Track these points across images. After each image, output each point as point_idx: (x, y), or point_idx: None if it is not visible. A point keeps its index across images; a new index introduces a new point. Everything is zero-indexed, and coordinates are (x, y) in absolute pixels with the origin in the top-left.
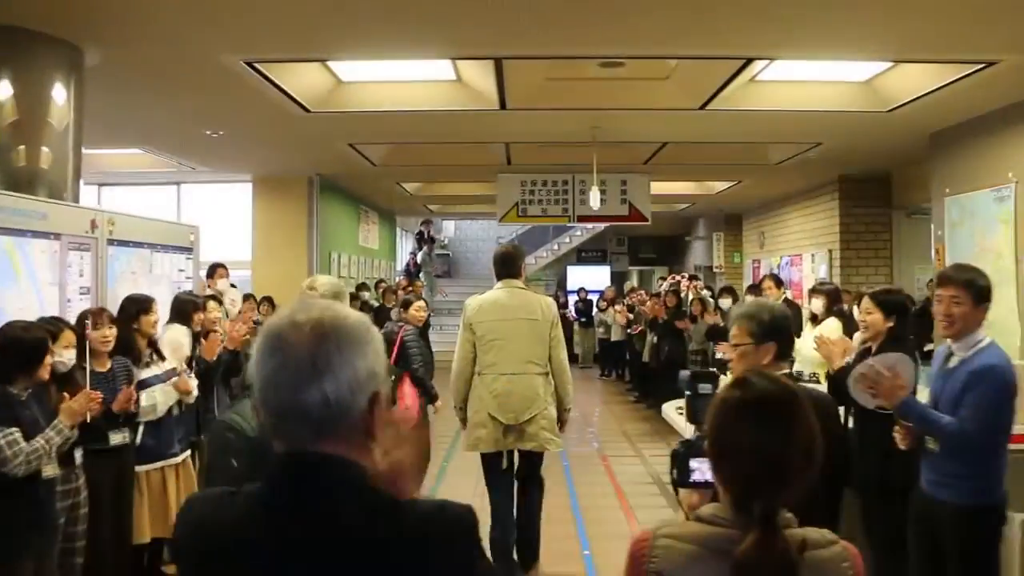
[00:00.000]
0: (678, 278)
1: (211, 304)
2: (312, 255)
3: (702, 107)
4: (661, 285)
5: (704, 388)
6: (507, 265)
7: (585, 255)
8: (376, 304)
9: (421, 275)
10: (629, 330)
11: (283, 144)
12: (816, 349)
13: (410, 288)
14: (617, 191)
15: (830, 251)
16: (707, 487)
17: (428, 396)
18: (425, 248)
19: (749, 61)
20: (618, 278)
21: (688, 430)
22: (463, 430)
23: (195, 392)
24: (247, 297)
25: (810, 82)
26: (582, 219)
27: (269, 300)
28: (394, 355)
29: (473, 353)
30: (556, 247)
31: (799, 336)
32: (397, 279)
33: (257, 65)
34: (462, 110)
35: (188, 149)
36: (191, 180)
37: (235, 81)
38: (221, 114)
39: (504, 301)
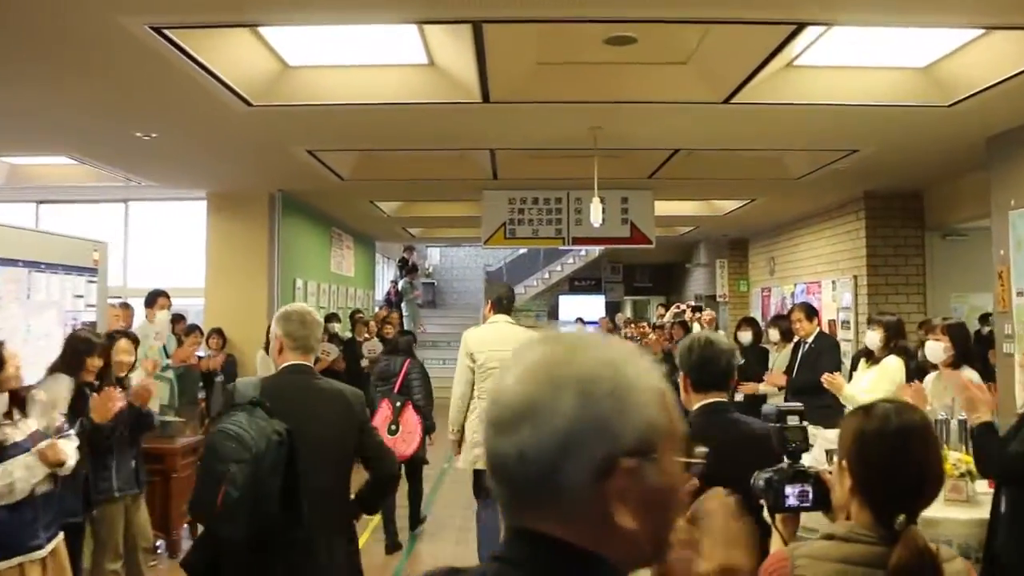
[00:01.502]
0: (682, 307)
1: (121, 345)
2: (272, 282)
3: (726, 100)
4: (662, 316)
5: (793, 420)
6: (502, 304)
7: (578, 284)
8: (346, 336)
9: (403, 305)
10: None
11: (231, 151)
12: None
13: (387, 320)
14: (617, 209)
15: (855, 277)
16: (800, 511)
17: (427, 426)
18: (407, 277)
19: (798, 29)
20: (612, 308)
21: None
22: (456, 455)
23: (71, 462)
24: (192, 329)
25: (858, 68)
26: (578, 241)
27: (219, 332)
28: (398, 384)
29: (472, 378)
30: (547, 275)
31: (836, 371)
32: (376, 309)
33: (168, 32)
34: (437, 103)
35: (124, 158)
36: (140, 197)
37: (150, 59)
38: (145, 108)
39: (500, 333)
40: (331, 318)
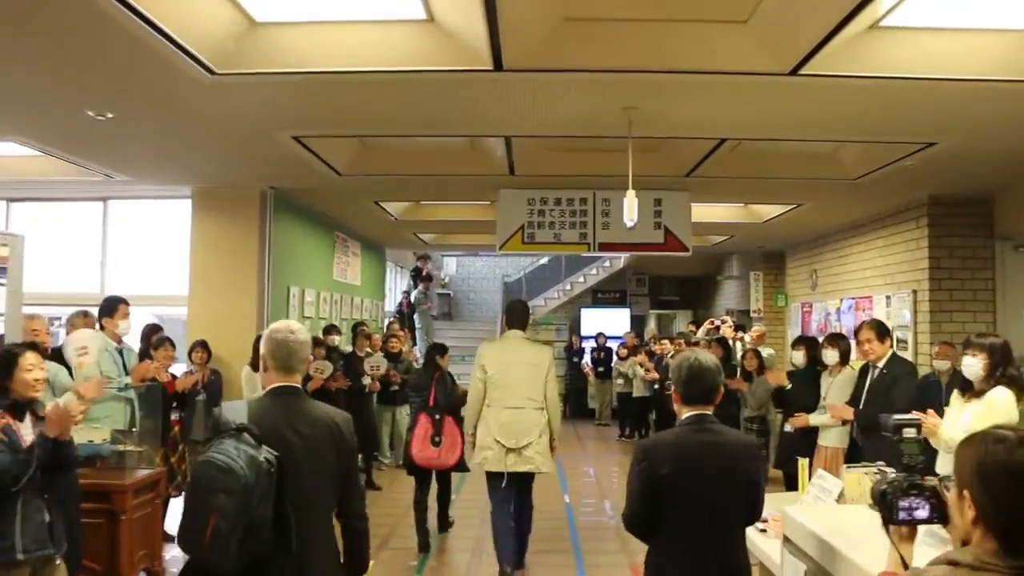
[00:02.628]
0: (717, 322)
1: (26, 359)
2: (264, 290)
3: (793, 71)
4: (694, 332)
5: (910, 432)
6: (520, 317)
7: (602, 296)
8: (347, 350)
9: (415, 317)
10: (656, 386)
11: (204, 136)
12: None
13: (393, 336)
14: (650, 212)
15: (914, 292)
16: (916, 523)
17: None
18: (420, 286)
19: None
20: (638, 322)
21: None
22: (469, 453)
23: None
24: (162, 342)
25: (957, 31)
26: (605, 248)
27: (203, 345)
28: (431, 398)
29: (485, 387)
30: (569, 287)
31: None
32: (387, 321)
33: None
34: (439, 70)
35: (79, 143)
36: (120, 195)
37: (92, 19)
38: (92, 80)
39: (512, 347)
40: (330, 330)
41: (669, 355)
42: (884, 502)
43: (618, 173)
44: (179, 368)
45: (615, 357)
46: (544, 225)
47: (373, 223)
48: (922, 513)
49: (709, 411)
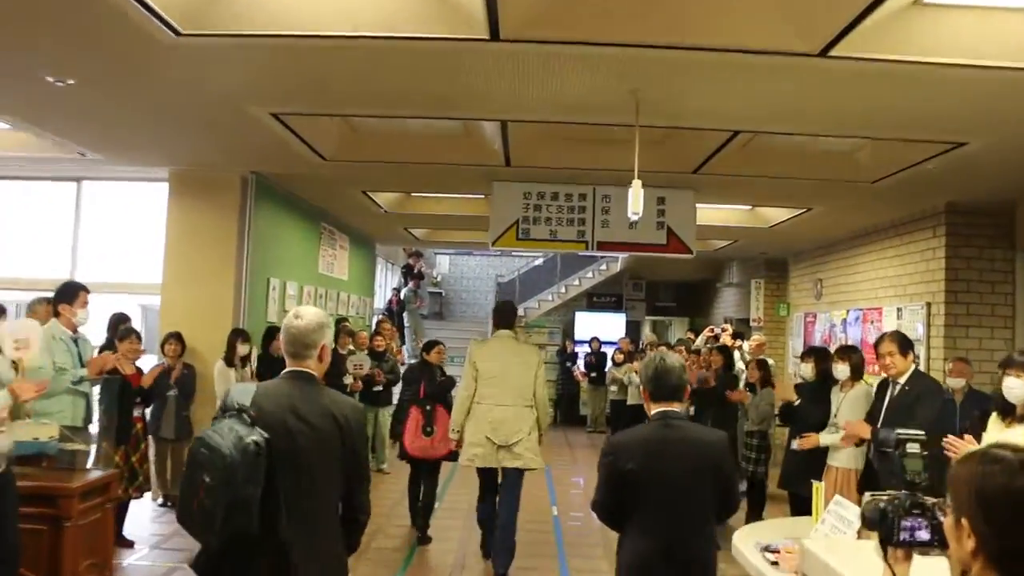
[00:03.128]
0: (716, 331)
1: None
2: (241, 281)
3: (822, 52)
4: (692, 340)
5: (913, 448)
6: (508, 317)
7: (597, 300)
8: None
9: (405, 315)
10: None
11: (175, 109)
12: None
13: (377, 330)
14: (653, 211)
15: (928, 305)
16: (917, 546)
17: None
18: (411, 284)
19: None
20: (633, 328)
21: None
22: (458, 449)
23: None
24: (127, 333)
25: (1011, 11)
26: (604, 247)
27: (177, 337)
28: (422, 391)
29: (475, 385)
30: (563, 289)
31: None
32: (376, 318)
33: None
34: (429, 38)
35: (41, 113)
36: (95, 176)
37: None
38: (48, 39)
39: (502, 346)
40: None
41: None
42: (884, 522)
43: (620, 167)
44: (152, 361)
45: (610, 363)
46: (540, 221)
47: (362, 215)
48: (924, 535)
49: (676, 407)
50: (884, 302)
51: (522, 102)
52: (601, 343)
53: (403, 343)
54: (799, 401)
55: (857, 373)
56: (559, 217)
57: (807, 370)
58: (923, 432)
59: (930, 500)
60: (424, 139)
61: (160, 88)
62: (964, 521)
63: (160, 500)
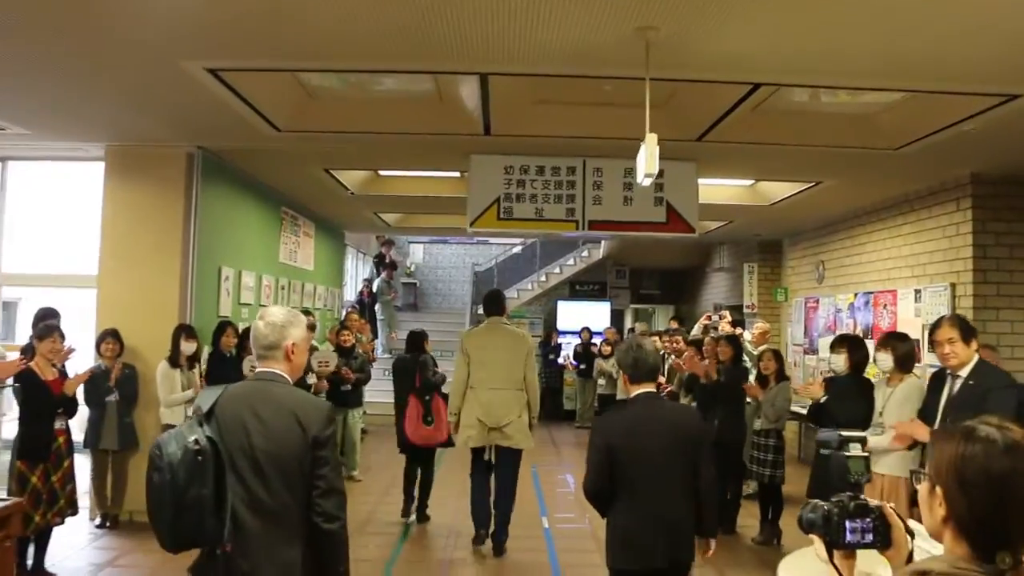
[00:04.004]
0: (714, 318)
1: None
2: (188, 270)
3: None
4: (678, 328)
5: (855, 448)
6: (496, 305)
7: (580, 289)
8: None
9: (377, 307)
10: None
11: (90, 60)
12: None
13: (344, 323)
14: (651, 186)
15: (952, 286)
16: (862, 547)
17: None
18: (384, 274)
19: None
20: (618, 317)
21: None
22: (455, 432)
23: None
24: (48, 331)
25: None
26: (597, 226)
27: (114, 335)
28: (418, 380)
29: (467, 372)
30: (544, 278)
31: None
32: (345, 311)
33: None
34: None
35: None
36: (22, 155)
37: None
38: None
39: (492, 333)
40: None
41: (660, 354)
42: (830, 525)
43: (615, 134)
44: (89, 362)
45: (599, 355)
46: (524, 198)
47: (326, 198)
48: (868, 536)
49: (653, 388)
50: (899, 284)
51: (506, 48)
52: (592, 333)
53: (375, 336)
54: (826, 397)
55: (904, 365)
56: (545, 194)
57: (839, 362)
58: (864, 433)
59: (873, 502)
60: (391, 106)
61: (82, 41)
62: (939, 490)
63: (98, 520)
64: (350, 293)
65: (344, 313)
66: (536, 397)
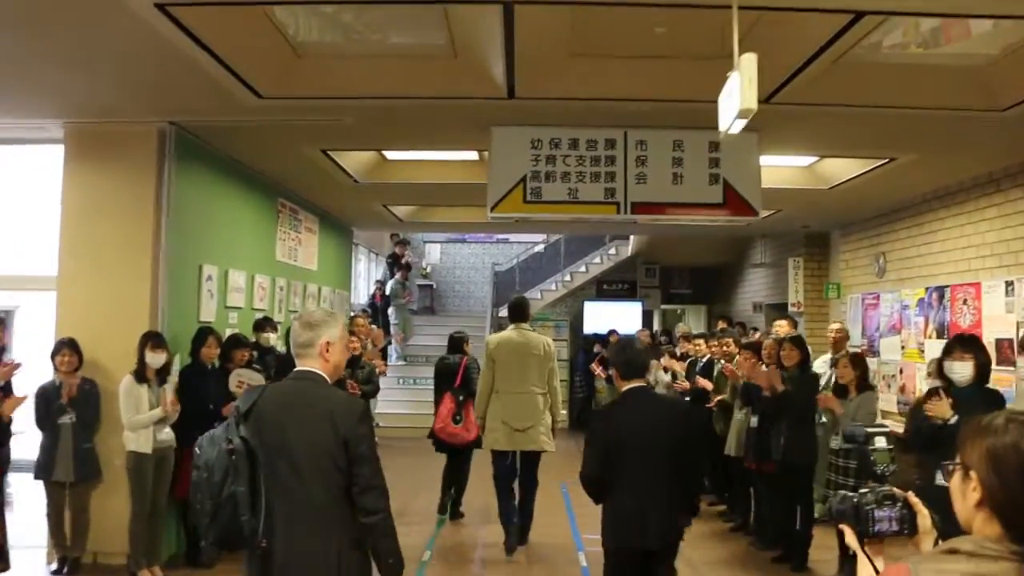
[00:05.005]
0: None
1: None
2: (158, 268)
3: None
4: (733, 331)
5: (880, 441)
6: (521, 312)
7: (608, 288)
8: (283, 350)
9: (390, 311)
10: (688, 399)
11: (38, 12)
12: None
13: (351, 334)
14: (703, 160)
15: None
16: (894, 536)
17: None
18: (398, 275)
19: None
20: (645, 318)
21: None
22: (482, 434)
23: None
24: None
25: None
26: (641, 210)
27: (70, 345)
28: (458, 380)
29: (492, 376)
30: (569, 278)
31: None
32: (352, 315)
33: None
34: None
35: None
36: None
37: None
38: None
39: (517, 339)
40: (264, 325)
41: (703, 359)
42: (859, 515)
43: (666, 95)
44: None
45: None
46: (555, 177)
47: (328, 187)
48: (896, 525)
49: (643, 383)
50: (983, 276)
51: None
52: (618, 335)
53: (389, 343)
54: (955, 417)
55: (985, 376)
56: (580, 172)
57: (964, 370)
58: (887, 426)
59: (899, 492)
60: (396, 64)
61: None
62: (972, 474)
63: (55, 565)
64: (361, 296)
65: (352, 316)
66: (559, 402)
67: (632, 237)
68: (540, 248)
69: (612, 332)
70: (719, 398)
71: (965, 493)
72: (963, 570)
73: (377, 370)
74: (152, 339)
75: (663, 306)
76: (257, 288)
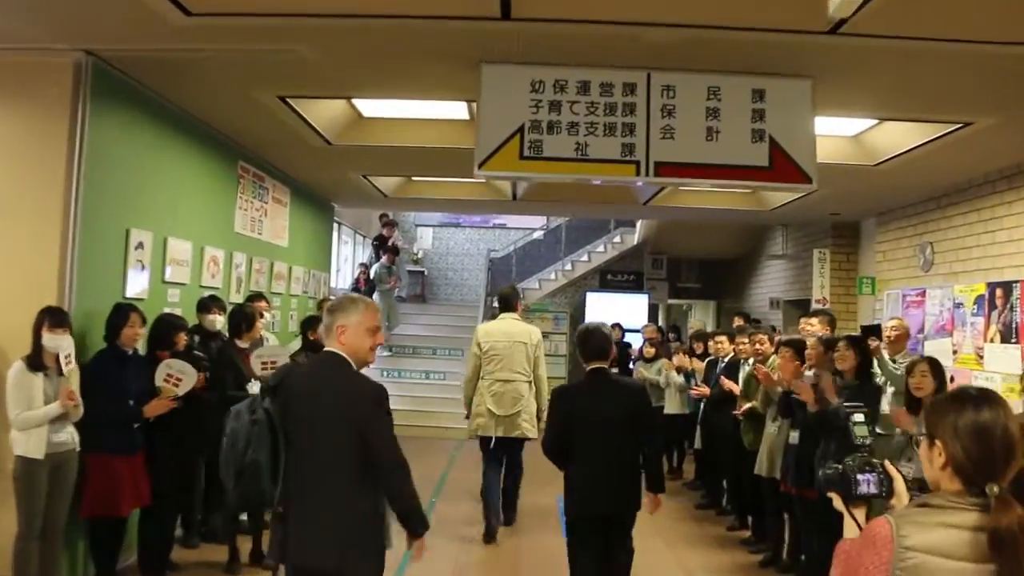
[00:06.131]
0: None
1: None
2: (69, 230)
3: None
4: (753, 327)
5: (858, 417)
6: (507, 302)
7: (612, 279)
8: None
9: (375, 296)
10: (704, 403)
11: None
12: None
13: (314, 319)
14: (745, 112)
15: None
16: (875, 498)
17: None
18: (384, 258)
19: None
20: (652, 312)
21: None
22: (467, 419)
23: None
24: None
25: None
26: (666, 172)
27: None
28: None
29: (479, 364)
30: (569, 267)
31: None
32: (322, 299)
33: None
34: None
35: None
36: None
37: None
38: None
39: (504, 328)
40: (208, 305)
41: (724, 358)
42: (843, 480)
43: (705, 21)
44: None
45: (641, 357)
46: (560, 128)
47: (297, 149)
48: (876, 488)
49: (604, 365)
50: None
51: None
52: (624, 330)
53: None
54: None
55: None
56: (591, 122)
57: None
58: (863, 404)
59: (876, 460)
60: None
61: None
62: (938, 442)
63: None
64: (344, 280)
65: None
66: (544, 390)
67: (639, 224)
68: (539, 234)
69: (616, 326)
70: (748, 405)
71: (932, 459)
72: (935, 520)
73: None
74: (51, 316)
75: (671, 301)
76: (208, 262)
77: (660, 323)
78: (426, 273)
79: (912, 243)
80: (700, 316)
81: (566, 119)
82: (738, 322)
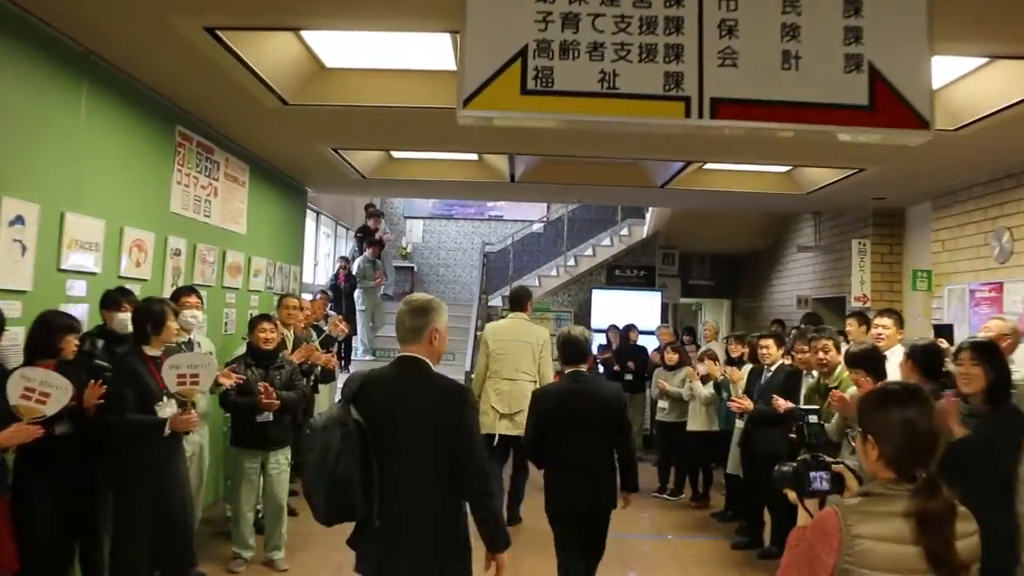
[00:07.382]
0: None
1: None
2: None
3: None
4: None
5: (813, 418)
6: (518, 302)
7: (621, 275)
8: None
9: (357, 294)
10: (744, 420)
11: None
12: None
13: (264, 319)
14: (836, 31)
15: None
16: (827, 494)
17: None
18: (368, 252)
19: None
20: (664, 312)
21: None
22: None
23: None
24: None
25: None
26: (725, 111)
27: None
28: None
29: (487, 362)
30: (572, 262)
31: None
32: (314, 297)
33: None
34: None
35: None
36: None
37: None
38: None
39: (512, 327)
40: (115, 300)
41: (771, 366)
42: (797, 477)
43: None
44: None
45: (661, 363)
46: (577, 50)
47: (246, 109)
48: (827, 484)
49: (582, 368)
50: None
51: None
52: (638, 332)
53: (354, 332)
54: None
55: None
56: (621, 42)
57: None
58: (817, 407)
59: (827, 458)
60: None
61: None
62: (871, 438)
63: None
64: (321, 275)
65: (317, 297)
66: None
67: (650, 213)
68: (538, 227)
69: (631, 327)
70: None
71: (867, 452)
72: (876, 507)
73: (321, 367)
74: None
75: (683, 299)
76: (130, 248)
77: (710, 323)
78: (416, 269)
79: (981, 229)
80: (713, 316)
81: (586, 39)
82: (773, 326)
